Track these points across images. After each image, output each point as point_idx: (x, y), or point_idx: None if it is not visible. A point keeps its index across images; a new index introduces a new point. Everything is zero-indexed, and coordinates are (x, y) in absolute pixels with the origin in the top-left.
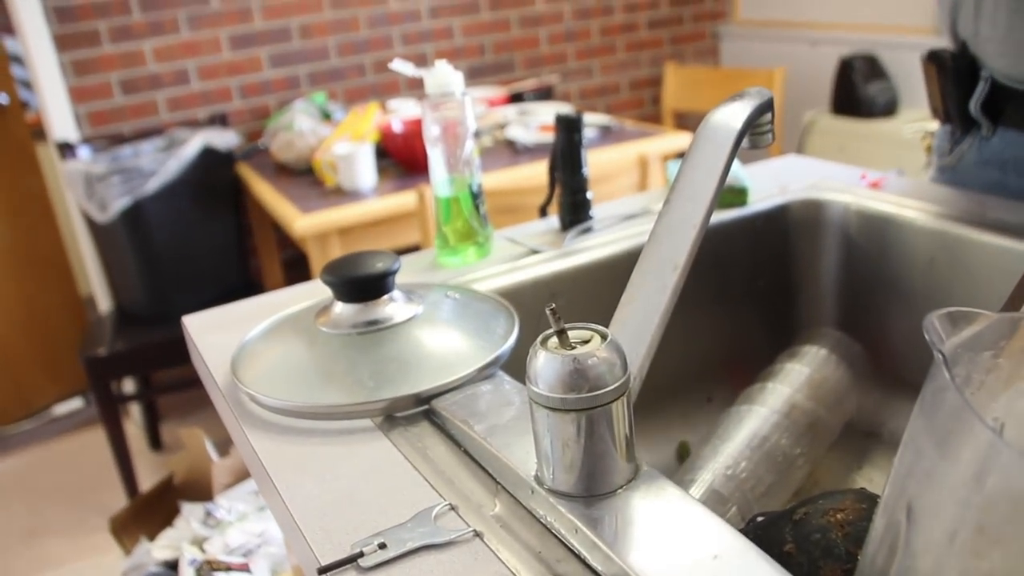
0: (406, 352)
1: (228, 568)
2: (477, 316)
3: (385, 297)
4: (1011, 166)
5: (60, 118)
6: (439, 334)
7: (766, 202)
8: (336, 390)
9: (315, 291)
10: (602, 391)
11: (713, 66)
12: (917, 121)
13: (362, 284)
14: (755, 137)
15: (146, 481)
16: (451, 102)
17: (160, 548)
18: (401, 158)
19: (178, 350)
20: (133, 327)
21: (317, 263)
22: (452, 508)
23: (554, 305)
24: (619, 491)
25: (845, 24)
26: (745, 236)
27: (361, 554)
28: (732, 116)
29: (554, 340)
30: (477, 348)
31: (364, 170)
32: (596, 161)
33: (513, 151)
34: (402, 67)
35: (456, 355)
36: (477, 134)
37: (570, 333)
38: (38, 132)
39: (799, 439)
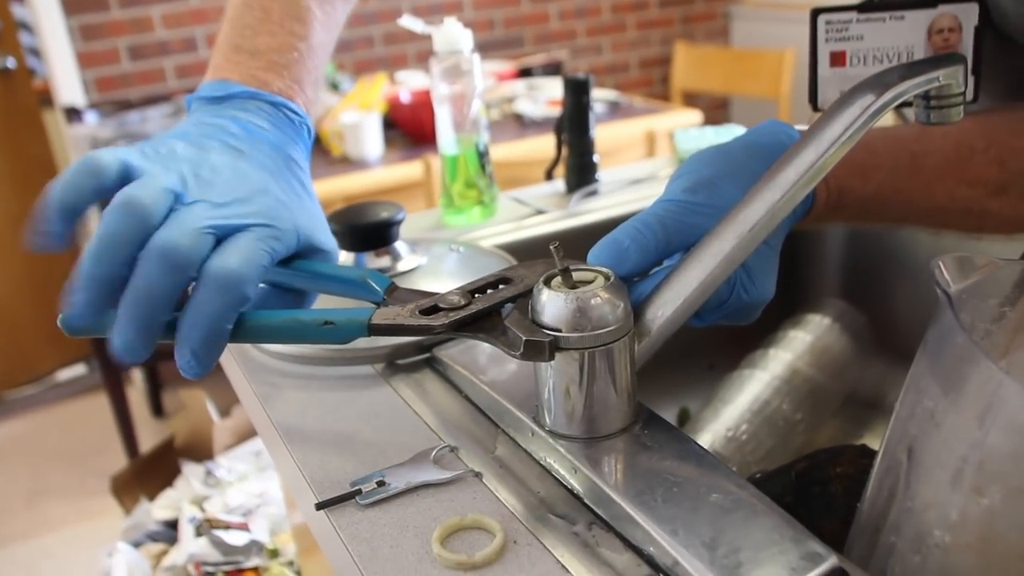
0: None
1: (227, 527)
2: (481, 269)
3: (389, 247)
4: None
5: (67, 83)
6: (443, 284)
7: None
8: None
9: None
10: (604, 330)
11: (723, 46)
12: None
13: (366, 232)
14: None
15: (147, 446)
16: (460, 60)
17: (160, 508)
18: (408, 128)
19: None
20: None
21: None
22: (452, 450)
23: (558, 243)
24: (619, 433)
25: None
26: None
27: (359, 491)
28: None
29: (558, 279)
30: None
31: (371, 139)
32: (604, 135)
33: (521, 124)
34: (411, 23)
35: None
36: (486, 106)
37: (574, 274)
38: (45, 99)
39: (800, 405)
